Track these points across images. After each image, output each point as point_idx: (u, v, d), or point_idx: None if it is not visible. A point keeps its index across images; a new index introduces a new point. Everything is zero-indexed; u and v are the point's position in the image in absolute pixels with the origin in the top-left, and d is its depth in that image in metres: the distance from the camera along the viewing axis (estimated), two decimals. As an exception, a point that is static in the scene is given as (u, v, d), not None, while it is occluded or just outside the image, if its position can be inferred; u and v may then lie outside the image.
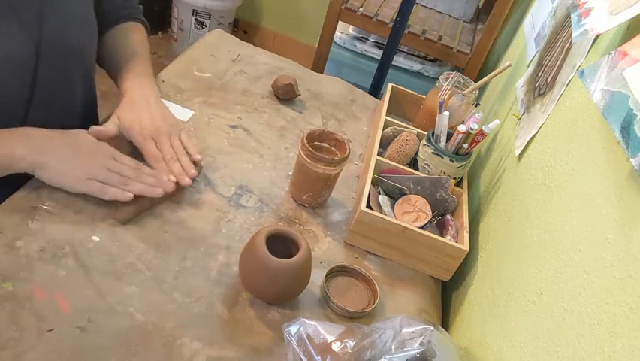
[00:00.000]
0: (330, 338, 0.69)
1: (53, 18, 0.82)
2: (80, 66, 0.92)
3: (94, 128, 0.86)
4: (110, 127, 0.88)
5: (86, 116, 1.00)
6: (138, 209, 0.82)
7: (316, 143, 0.94)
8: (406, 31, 1.64)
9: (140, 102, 0.92)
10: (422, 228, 0.91)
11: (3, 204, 0.77)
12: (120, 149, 0.86)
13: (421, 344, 0.68)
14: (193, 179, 0.89)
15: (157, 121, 0.90)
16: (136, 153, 0.89)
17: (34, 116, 0.85)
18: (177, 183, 0.87)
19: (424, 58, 1.90)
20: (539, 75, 0.97)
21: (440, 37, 1.73)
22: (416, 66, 1.88)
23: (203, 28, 2.48)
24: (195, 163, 0.91)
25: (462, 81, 1.13)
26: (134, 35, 1.03)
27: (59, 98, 0.89)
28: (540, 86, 0.94)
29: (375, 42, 1.90)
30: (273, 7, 2.71)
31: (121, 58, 0.99)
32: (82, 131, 0.84)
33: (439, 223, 0.98)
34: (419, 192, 0.97)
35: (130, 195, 0.80)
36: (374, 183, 0.99)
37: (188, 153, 0.91)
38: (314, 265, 0.82)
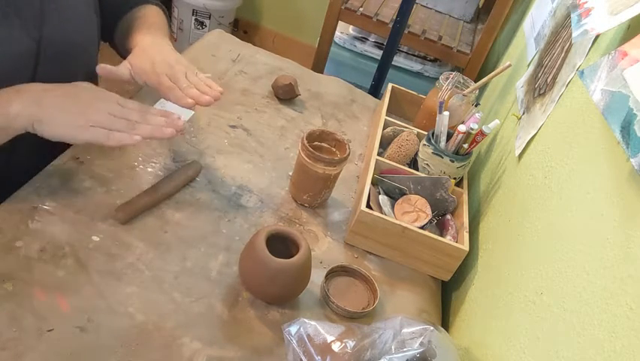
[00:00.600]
0: (330, 338, 0.69)
1: (54, 16, 0.82)
2: (81, 64, 0.92)
3: (103, 65, 0.81)
4: (121, 69, 0.85)
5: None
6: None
7: (316, 143, 0.94)
8: (406, 31, 1.64)
9: (152, 48, 0.89)
10: (422, 228, 0.91)
11: (3, 204, 0.77)
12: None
13: (421, 344, 0.68)
14: (202, 168, 0.84)
15: (171, 62, 0.87)
16: None
17: None
18: (177, 179, 0.87)
19: (424, 58, 1.90)
20: (539, 75, 0.97)
21: (440, 37, 1.73)
22: (416, 66, 1.88)
23: (203, 28, 2.47)
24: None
25: (462, 81, 1.13)
26: (150, 12, 1.01)
27: None
28: (540, 86, 0.94)
29: (375, 42, 1.90)
30: (273, 7, 2.71)
31: (136, 27, 0.96)
32: (83, 82, 0.80)
33: (439, 223, 0.98)
34: (419, 192, 0.97)
35: (137, 138, 0.75)
36: (374, 183, 0.99)
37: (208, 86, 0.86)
38: (314, 265, 0.82)
